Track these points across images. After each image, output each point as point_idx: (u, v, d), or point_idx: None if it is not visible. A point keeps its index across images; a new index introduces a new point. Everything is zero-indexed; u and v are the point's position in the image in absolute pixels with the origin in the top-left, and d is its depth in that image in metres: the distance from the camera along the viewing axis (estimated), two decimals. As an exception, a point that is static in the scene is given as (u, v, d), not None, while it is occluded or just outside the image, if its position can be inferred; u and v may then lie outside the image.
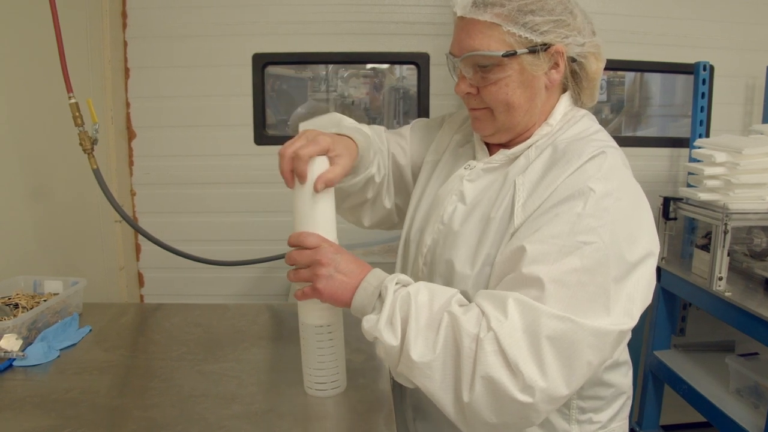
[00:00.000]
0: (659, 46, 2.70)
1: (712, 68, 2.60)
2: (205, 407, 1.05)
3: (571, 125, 1.08)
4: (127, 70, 2.59)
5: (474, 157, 1.17)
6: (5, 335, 1.23)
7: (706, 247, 2.09)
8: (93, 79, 2.32)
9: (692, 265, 2.16)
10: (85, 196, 2.14)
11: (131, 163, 2.66)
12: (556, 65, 1.04)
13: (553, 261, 0.88)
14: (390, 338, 0.91)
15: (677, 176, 2.83)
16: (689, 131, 2.66)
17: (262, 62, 2.62)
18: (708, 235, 2.13)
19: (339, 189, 1.15)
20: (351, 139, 1.11)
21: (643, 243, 0.93)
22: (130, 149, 2.65)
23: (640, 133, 3.11)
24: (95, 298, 1.60)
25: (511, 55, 1.01)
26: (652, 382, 2.50)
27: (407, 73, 2.93)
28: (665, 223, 2.27)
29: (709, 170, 2.03)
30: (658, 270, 2.21)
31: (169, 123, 2.63)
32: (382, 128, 1.35)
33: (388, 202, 1.31)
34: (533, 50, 1.01)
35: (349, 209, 1.30)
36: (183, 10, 2.56)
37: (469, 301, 0.96)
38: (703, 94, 2.59)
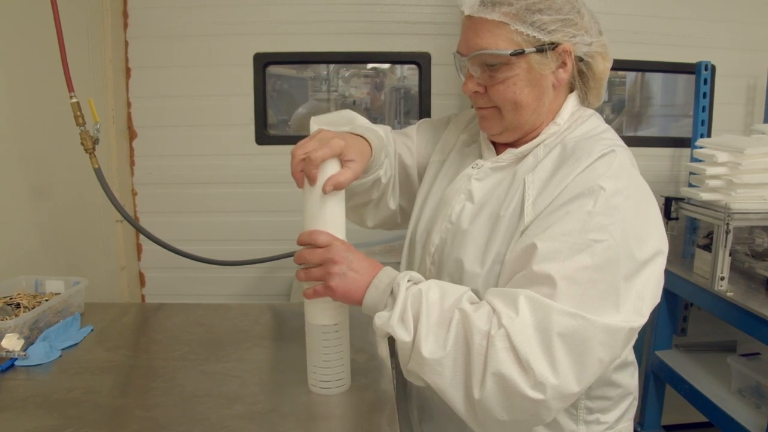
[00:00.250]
0: (661, 46, 2.70)
1: (713, 68, 2.60)
2: (207, 407, 1.05)
3: (578, 124, 1.08)
4: (128, 70, 2.59)
5: (481, 157, 1.17)
6: (7, 335, 1.22)
7: (707, 247, 2.09)
8: (94, 79, 2.32)
9: (694, 265, 2.16)
10: (86, 196, 2.14)
11: (132, 163, 2.66)
12: (563, 64, 1.04)
13: (564, 258, 0.88)
14: (403, 334, 0.91)
15: (679, 176, 2.83)
16: (690, 131, 2.66)
17: (263, 62, 2.62)
18: (710, 235, 2.12)
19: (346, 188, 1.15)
20: (365, 140, 1.10)
21: (653, 241, 0.94)
22: (132, 149, 2.65)
23: (641, 133, 3.10)
24: (96, 298, 1.59)
25: (519, 54, 1.01)
26: (654, 382, 2.50)
27: (408, 73, 2.92)
28: (666, 223, 2.26)
29: (710, 170, 2.03)
30: (660, 270, 2.20)
31: (171, 123, 2.63)
32: (387, 128, 1.35)
33: (392, 203, 1.31)
34: (541, 49, 1.01)
35: (353, 209, 1.29)
36: (184, 10, 2.56)
37: (480, 300, 0.96)
38: (704, 94, 2.59)
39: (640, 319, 0.90)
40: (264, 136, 2.68)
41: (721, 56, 2.69)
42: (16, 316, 1.32)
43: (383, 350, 1.29)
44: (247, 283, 2.78)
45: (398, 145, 1.32)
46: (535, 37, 1.00)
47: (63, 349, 1.28)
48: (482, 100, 1.08)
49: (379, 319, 0.94)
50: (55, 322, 1.37)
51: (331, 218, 1.02)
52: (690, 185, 2.25)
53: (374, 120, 2.91)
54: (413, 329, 0.91)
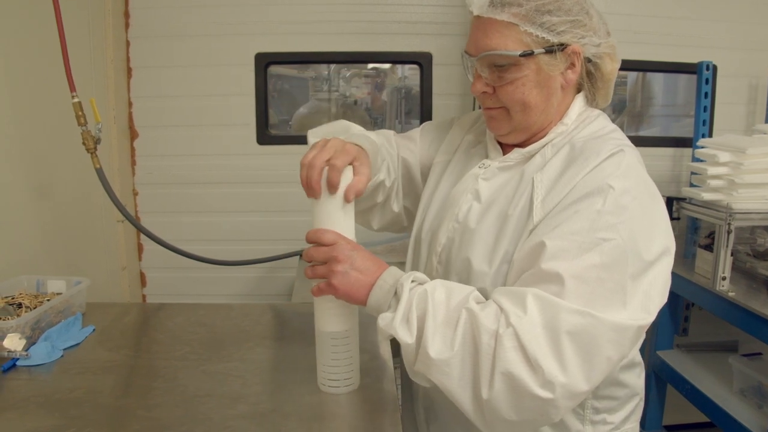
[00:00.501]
0: (662, 46, 2.70)
1: (715, 68, 2.59)
2: (209, 407, 1.05)
3: (586, 124, 1.08)
4: (129, 70, 2.59)
5: (487, 156, 1.17)
6: (9, 335, 1.22)
7: (709, 247, 2.09)
8: (96, 79, 2.32)
9: (695, 265, 2.16)
10: (87, 196, 2.14)
11: (134, 163, 2.66)
12: (572, 65, 1.04)
13: (572, 257, 0.88)
14: (405, 336, 0.91)
15: (680, 176, 2.83)
16: (692, 131, 2.65)
17: (264, 62, 2.62)
18: (711, 235, 2.12)
19: None
20: (360, 147, 1.11)
21: (660, 240, 0.93)
22: (133, 149, 2.65)
23: (642, 133, 3.10)
24: (98, 297, 1.59)
25: (528, 55, 1.00)
26: (655, 382, 2.50)
27: (409, 73, 2.92)
28: (668, 222, 2.26)
29: (712, 170, 2.03)
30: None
31: (172, 122, 2.63)
32: (391, 132, 1.35)
33: (396, 206, 1.32)
34: (550, 50, 1.01)
35: (360, 213, 1.30)
36: (185, 10, 2.56)
37: (486, 299, 0.96)
38: (706, 94, 2.59)
39: (648, 317, 0.90)
40: (265, 136, 2.68)
41: (723, 56, 2.69)
42: (18, 316, 1.32)
43: (386, 350, 1.28)
44: (249, 283, 2.78)
45: (401, 148, 1.33)
46: (544, 38, 1.00)
47: (65, 349, 1.28)
48: (490, 101, 1.08)
49: (383, 320, 0.94)
50: (57, 322, 1.37)
51: (346, 225, 1.03)
52: (691, 185, 2.25)
53: (375, 120, 2.95)
54: (418, 330, 0.91)
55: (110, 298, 2.43)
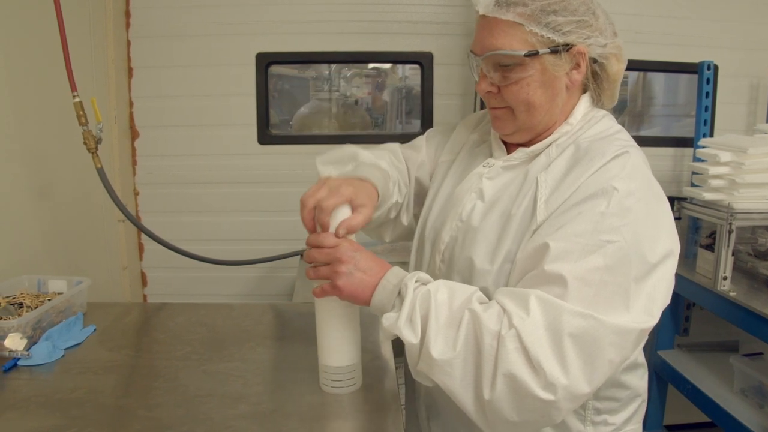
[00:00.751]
0: (663, 46, 2.70)
1: (716, 68, 2.59)
2: (210, 407, 1.05)
3: (591, 125, 1.07)
4: (130, 70, 2.59)
5: (491, 156, 1.17)
6: (10, 334, 1.22)
7: (710, 247, 2.09)
8: (96, 79, 2.33)
9: (696, 264, 2.16)
10: (88, 196, 2.15)
11: (134, 163, 2.66)
12: (577, 66, 1.03)
13: (576, 259, 0.88)
14: (410, 336, 0.91)
15: (681, 176, 2.83)
16: (693, 131, 2.65)
17: (265, 62, 2.62)
18: (712, 235, 2.12)
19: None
20: (370, 182, 1.12)
21: (664, 243, 0.93)
22: (134, 149, 2.65)
23: (643, 133, 3.10)
24: (98, 297, 1.59)
25: (533, 55, 1.00)
26: (656, 382, 2.50)
27: (410, 73, 2.92)
28: (669, 222, 2.26)
29: (713, 170, 2.03)
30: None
31: (173, 122, 2.63)
32: (396, 146, 1.36)
33: (405, 219, 1.32)
34: (555, 50, 1.00)
35: (372, 229, 1.32)
36: (186, 10, 2.56)
37: (489, 299, 0.96)
38: (707, 94, 2.58)
39: (651, 320, 0.90)
40: (266, 135, 2.68)
41: (724, 56, 2.69)
42: (19, 315, 1.32)
43: (387, 350, 1.28)
44: (250, 282, 2.78)
45: (410, 161, 1.34)
46: (549, 38, 1.00)
47: (66, 349, 1.28)
48: (495, 101, 1.08)
49: (387, 320, 0.94)
50: (58, 321, 1.37)
51: None
52: (692, 185, 2.25)
53: (375, 120, 2.94)
54: (421, 330, 0.91)
55: (111, 297, 2.43)
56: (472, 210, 1.10)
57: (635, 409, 1.15)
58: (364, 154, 1.23)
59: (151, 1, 2.55)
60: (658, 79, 3.06)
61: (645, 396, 1.18)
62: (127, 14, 2.54)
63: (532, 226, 0.99)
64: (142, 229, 1.86)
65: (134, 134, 2.64)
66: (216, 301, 1.64)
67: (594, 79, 1.08)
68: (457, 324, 0.89)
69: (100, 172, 1.69)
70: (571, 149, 1.03)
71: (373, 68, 2.96)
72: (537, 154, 1.08)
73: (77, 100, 1.62)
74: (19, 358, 1.21)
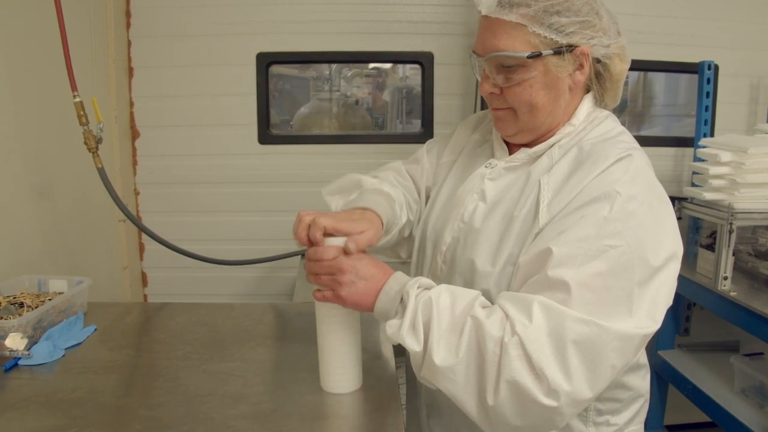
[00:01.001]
0: (663, 46, 2.70)
1: (716, 67, 2.59)
2: (211, 407, 1.05)
3: (594, 126, 1.07)
4: (131, 69, 2.59)
5: (493, 156, 1.16)
6: (10, 334, 1.23)
7: (710, 247, 2.09)
8: (97, 78, 2.33)
9: (697, 264, 2.16)
10: (89, 196, 2.15)
11: (135, 163, 2.66)
12: (580, 67, 1.03)
13: (579, 264, 0.88)
14: (413, 344, 0.91)
15: (681, 176, 2.83)
16: (693, 131, 2.65)
17: (266, 61, 2.62)
18: (713, 235, 2.12)
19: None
20: (372, 210, 1.12)
21: (667, 246, 0.93)
22: (134, 148, 2.65)
23: (644, 133, 3.10)
24: (99, 297, 1.59)
25: (536, 56, 0.99)
26: (657, 382, 2.50)
27: (410, 73, 2.92)
28: (670, 222, 2.26)
29: (714, 170, 2.03)
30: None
31: (173, 122, 2.63)
32: (399, 163, 1.37)
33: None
34: (558, 51, 1.00)
35: (389, 249, 1.32)
36: (187, 10, 2.56)
37: (491, 301, 0.96)
38: (707, 94, 2.58)
39: (654, 325, 0.90)
40: (266, 135, 2.68)
41: (724, 56, 2.68)
42: (20, 315, 1.32)
43: (387, 350, 1.28)
44: (250, 282, 2.78)
45: (415, 177, 1.35)
46: (552, 39, 0.99)
47: (66, 349, 1.28)
48: (498, 101, 1.07)
49: (390, 327, 0.95)
50: (59, 321, 1.37)
51: None
52: (693, 185, 2.25)
53: (376, 120, 2.94)
54: (424, 337, 0.91)
55: (112, 298, 2.43)
56: (474, 211, 1.10)
57: (637, 409, 1.15)
58: (368, 180, 1.24)
59: (152, 0, 2.55)
60: (658, 79, 3.06)
61: (647, 396, 1.17)
62: (128, 14, 2.55)
63: (535, 229, 0.99)
64: (142, 228, 1.86)
65: (135, 134, 2.64)
66: (216, 301, 1.64)
67: (597, 80, 1.08)
68: (459, 330, 0.89)
69: (101, 172, 1.69)
70: (574, 151, 1.03)
71: (374, 68, 2.96)
72: (539, 155, 1.08)
73: (78, 99, 1.63)
74: (19, 358, 1.21)
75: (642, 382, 1.15)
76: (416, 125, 2.82)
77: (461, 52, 2.64)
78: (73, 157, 1.84)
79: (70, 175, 2.04)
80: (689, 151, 2.75)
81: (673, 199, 2.31)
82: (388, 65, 2.92)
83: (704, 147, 2.16)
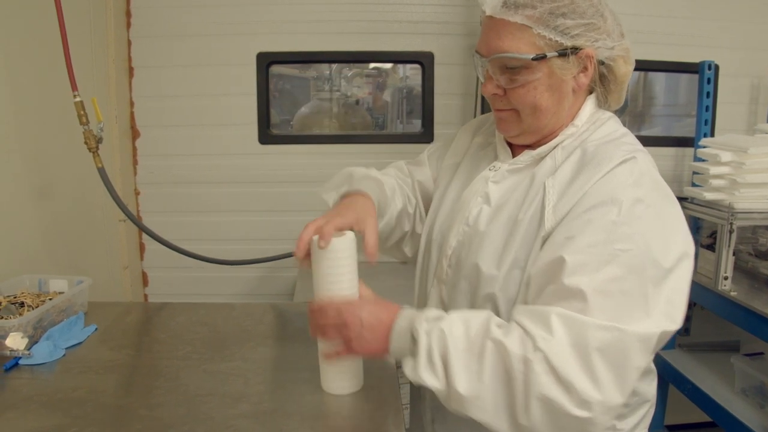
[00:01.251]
0: (664, 46, 2.69)
1: (717, 67, 2.59)
2: (211, 406, 1.05)
3: (597, 127, 1.07)
4: (131, 69, 2.59)
5: (496, 158, 1.16)
6: (11, 334, 1.23)
7: (711, 247, 2.09)
8: (97, 78, 2.33)
9: (697, 264, 2.16)
10: (89, 196, 2.15)
11: (135, 163, 2.66)
12: (584, 69, 1.02)
13: (592, 271, 0.88)
14: (433, 381, 0.91)
15: (682, 176, 2.82)
16: (693, 131, 2.65)
17: (266, 61, 2.62)
18: (713, 235, 2.12)
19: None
20: (362, 193, 1.13)
21: (678, 246, 0.93)
22: (134, 148, 2.65)
23: (644, 133, 3.10)
24: (99, 297, 1.59)
25: (541, 58, 0.99)
26: (657, 382, 2.49)
27: (411, 73, 2.92)
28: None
29: (714, 170, 2.03)
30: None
31: (173, 122, 2.63)
32: (402, 163, 1.38)
33: (420, 230, 1.32)
34: (563, 54, 0.99)
35: (394, 246, 1.33)
36: (187, 9, 2.56)
37: (497, 305, 0.97)
38: (708, 94, 2.58)
39: (673, 324, 0.89)
40: (267, 135, 2.68)
41: (725, 55, 2.68)
42: (20, 315, 1.32)
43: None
44: (250, 282, 2.78)
45: (415, 173, 1.35)
46: (557, 41, 0.98)
47: (67, 348, 1.28)
48: (501, 103, 1.07)
49: (407, 368, 0.94)
50: (59, 321, 1.37)
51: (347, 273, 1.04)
52: (693, 185, 2.25)
53: (376, 120, 2.94)
54: (443, 372, 0.90)
55: (112, 297, 2.43)
56: (479, 214, 1.10)
57: (643, 414, 1.14)
58: (358, 170, 1.25)
59: (152, 0, 2.55)
60: (658, 79, 3.06)
61: (653, 401, 1.17)
62: (128, 14, 2.54)
63: (541, 233, 0.98)
64: (143, 228, 1.87)
65: (135, 134, 2.64)
66: (217, 301, 1.64)
67: (601, 82, 1.07)
68: (479, 355, 0.89)
69: (101, 172, 1.69)
70: (578, 153, 1.03)
71: (374, 68, 2.96)
72: (542, 157, 1.08)
73: (78, 99, 1.63)
74: (20, 358, 1.21)
75: (649, 387, 1.14)
76: (416, 125, 2.82)
77: (462, 52, 2.64)
78: (74, 156, 1.84)
79: (70, 175, 2.04)
80: (689, 151, 2.74)
81: (673, 199, 2.31)
82: (388, 65, 2.92)
83: (704, 147, 2.16)
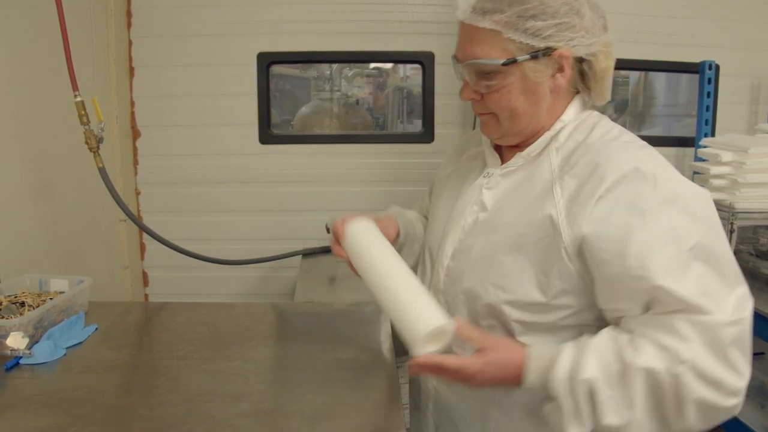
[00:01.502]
0: (664, 46, 2.69)
1: (717, 67, 2.59)
2: (211, 406, 1.05)
3: (591, 128, 1.05)
4: (131, 69, 2.59)
5: (486, 166, 1.15)
6: (12, 333, 1.23)
7: (711, 247, 2.08)
8: (98, 78, 2.33)
9: (698, 264, 2.15)
10: (89, 195, 2.15)
11: (136, 162, 2.66)
12: (560, 69, 1.01)
13: (684, 279, 0.88)
14: (580, 430, 0.91)
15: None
16: (694, 131, 2.65)
17: (266, 61, 2.62)
18: (714, 235, 2.12)
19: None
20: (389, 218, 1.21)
21: (712, 226, 0.95)
22: (135, 148, 2.65)
23: (644, 133, 3.10)
24: (100, 297, 1.59)
25: (512, 63, 0.98)
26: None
27: (411, 73, 2.92)
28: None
29: (714, 169, 2.03)
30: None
31: (174, 122, 2.63)
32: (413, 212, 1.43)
33: None
34: (535, 56, 0.98)
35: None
36: (188, 9, 2.55)
37: (498, 312, 0.99)
38: (708, 94, 2.58)
39: (744, 283, 0.93)
40: (267, 135, 2.68)
41: (725, 55, 2.68)
42: (21, 314, 1.32)
43: (388, 349, 1.28)
44: (251, 282, 2.78)
45: (426, 199, 1.41)
46: (528, 44, 0.98)
47: (67, 348, 1.28)
48: (479, 107, 1.08)
49: (550, 415, 0.95)
50: (60, 320, 1.37)
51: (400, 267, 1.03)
52: (694, 185, 2.24)
53: (377, 120, 2.95)
54: (591, 415, 0.90)
55: (112, 297, 2.43)
56: (475, 222, 1.09)
57: None
58: (387, 210, 1.34)
59: (153, 0, 2.55)
60: (659, 78, 3.06)
61: None
62: (129, 14, 2.55)
63: (560, 243, 0.96)
64: (144, 228, 1.87)
65: (135, 134, 2.64)
66: (217, 301, 1.64)
67: (582, 79, 1.05)
68: (623, 385, 0.89)
69: (102, 172, 1.69)
70: (582, 158, 1.00)
71: (375, 68, 2.97)
72: (533, 156, 1.07)
73: (79, 99, 1.63)
74: (20, 357, 1.21)
75: None
76: (417, 125, 2.82)
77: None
78: (74, 156, 1.84)
79: (71, 175, 2.04)
80: (690, 151, 2.74)
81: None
82: (388, 65, 2.92)
83: (705, 147, 2.16)
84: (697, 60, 2.60)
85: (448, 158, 1.32)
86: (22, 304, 1.38)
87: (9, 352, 1.21)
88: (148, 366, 1.23)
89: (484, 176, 1.13)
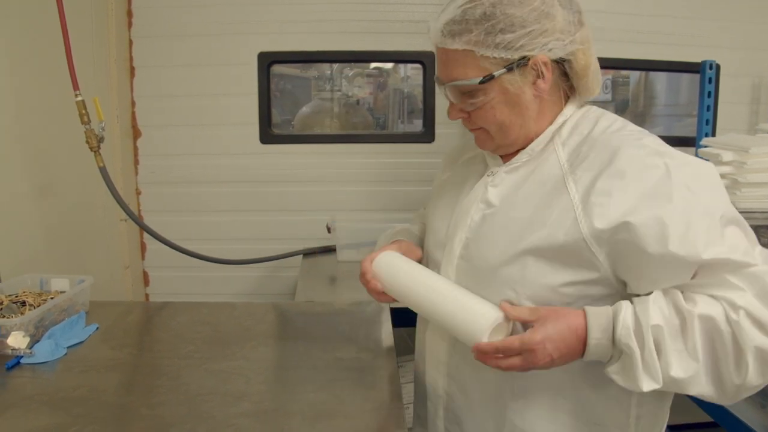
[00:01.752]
0: (665, 45, 2.69)
1: (718, 67, 2.59)
2: (212, 405, 1.05)
3: (594, 122, 1.05)
4: (132, 69, 2.59)
5: (486, 167, 1.15)
6: (13, 333, 1.23)
7: (712, 247, 2.08)
8: (98, 78, 2.33)
9: (698, 264, 2.15)
10: (90, 195, 2.15)
11: (136, 162, 2.66)
12: (540, 75, 1.00)
13: (723, 244, 0.90)
14: (653, 385, 0.90)
15: (683, 176, 2.82)
16: (695, 131, 2.65)
17: (267, 61, 2.62)
18: (714, 235, 2.12)
19: None
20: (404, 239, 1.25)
21: (725, 191, 0.98)
22: (136, 148, 2.65)
23: (645, 133, 3.10)
24: (101, 296, 1.60)
25: (489, 79, 0.99)
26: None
27: (411, 73, 2.92)
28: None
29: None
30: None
31: (175, 122, 2.63)
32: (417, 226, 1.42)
33: None
34: (510, 68, 0.98)
35: None
36: (188, 9, 2.56)
37: (513, 296, 1.00)
38: (709, 93, 2.58)
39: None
40: (268, 135, 2.68)
41: (726, 55, 2.68)
42: (22, 314, 1.32)
43: (389, 349, 1.29)
44: (252, 282, 2.78)
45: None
46: (503, 57, 0.98)
47: (68, 347, 1.29)
48: (469, 123, 1.08)
49: (618, 376, 0.94)
50: (61, 320, 1.37)
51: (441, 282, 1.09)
52: (695, 185, 2.24)
53: (377, 120, 2.94)
54: (659, 367, 0.90)
55: (113, 297, 2.43)
56: (482, 219, 1.08)
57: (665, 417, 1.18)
58: (396, 227, 1.36)
59: (154, 0, 2.55)
60: (659, 78, 3.06)
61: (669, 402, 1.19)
62: (129, 14, 2.55)
63: (574, 236, 0.96)
64: (144, 228, 1.87)
65: (136, 133, 2.64)
66: (218, 300, 1.64)
67: (566, 78, 1.05)
68: (684, 335, 0.90)
69: (103, 171, 1.69)
70: (593, 154, 1.00)
71: (375, 68, 2.97)
72: (537, 152, 1.07)
73: (79, 99, 1.63)
74: (21, 356, 1.21)
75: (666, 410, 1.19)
76: (417, 125, 2.82)
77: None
78: (75, 156, 1.84)
79: (71, 175, 2.04)
80: (691, 150, 2.73)
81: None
82: (389, 65, 2.92)
83: (706, 147, 2.16)
84: (697, 60, 2.60)
85: (443, 165, 1.32)
86: (23, 303, 1.38)
87: (10, 352, 1.21)
88: (149, 365, 1.23)
89: (488, 175, 1.12)
